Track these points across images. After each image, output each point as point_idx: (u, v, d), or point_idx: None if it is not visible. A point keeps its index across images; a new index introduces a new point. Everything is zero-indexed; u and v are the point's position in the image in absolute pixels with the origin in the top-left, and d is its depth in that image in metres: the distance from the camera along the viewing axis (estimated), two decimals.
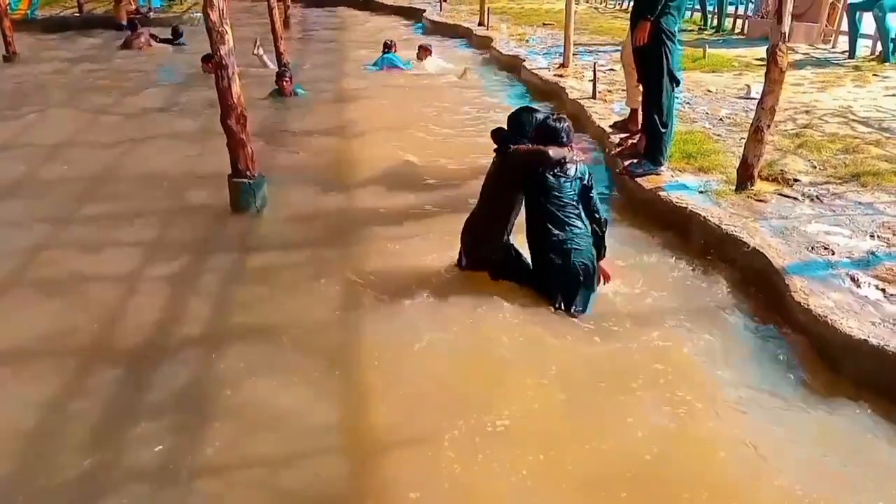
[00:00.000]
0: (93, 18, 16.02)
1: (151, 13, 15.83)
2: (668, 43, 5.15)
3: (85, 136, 7.52)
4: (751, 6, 12.91)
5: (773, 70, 4.80)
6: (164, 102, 9.03)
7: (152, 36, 13.15)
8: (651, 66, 5.25)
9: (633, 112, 6.37)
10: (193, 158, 6.69)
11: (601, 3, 17.65)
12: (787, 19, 4.81)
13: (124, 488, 2.79)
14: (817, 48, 10.53)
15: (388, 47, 11.17)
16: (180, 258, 4.61)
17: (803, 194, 4.89)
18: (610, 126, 6.61)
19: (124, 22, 14.17)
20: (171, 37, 13.35)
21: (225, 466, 2.90)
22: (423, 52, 11.28)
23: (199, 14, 15.66)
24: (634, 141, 5.93)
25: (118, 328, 3.89)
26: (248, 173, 5.26)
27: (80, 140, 7.37)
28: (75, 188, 5.91)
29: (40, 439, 3.06)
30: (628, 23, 5.59)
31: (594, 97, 7.73)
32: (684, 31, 10.30)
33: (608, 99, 7.71)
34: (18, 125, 7.85)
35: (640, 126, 6.00)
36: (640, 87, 6.22)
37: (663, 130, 5.32)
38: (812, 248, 4.09)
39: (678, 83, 5.37)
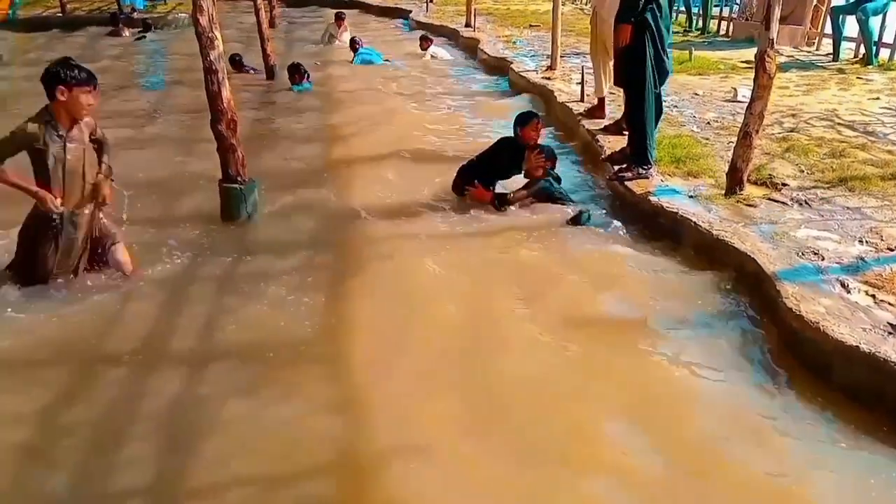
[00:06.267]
0: (75, 19, 15.90)
1: (135, 14, 15.73)
2: (653, 43, 5.18)
3: None
4: (735, 8, 13.01)
5: (761, 76, 4.84)
6: (149, 106, 8.97)
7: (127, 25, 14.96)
8: (634, 68, 5.27)
9: (601, 101, 7.04)
10: (182, 163, 6.64)
11: (587, 4, 17.69)
12: (774, 25, 4.85)
13: None
14: (801, 50, 10.63)
15: (354, 45, 11.63)
16: (170, 266, 4.58)
17: (792, 199, 4.94)
18: (600, 129, 6.65)
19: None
20: (141, 29, 14.87)
21: (216, 486, 2.85)
22: (425, 42, 12.07)
23: (183, 15, 15.64)
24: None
25: (107, 340, 3.84)
26: (238, 178, 5.23)
27: None
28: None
29: (28, 456, 3.01)
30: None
31: (582, 100, 7.75)
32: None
33: (596, 102, 7.72)
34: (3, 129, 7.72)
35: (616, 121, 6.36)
36: (604, 77, 6.80)
37: (647, 133, 5.36)
38: (802, 254, 4.13)
39: (662, 82, 5.42)
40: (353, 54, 11.55)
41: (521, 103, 8.31)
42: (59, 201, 4.03)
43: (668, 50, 5.39)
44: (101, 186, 4.22)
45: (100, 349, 3.74)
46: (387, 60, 11.52)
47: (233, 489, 2.85)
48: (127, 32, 14.32)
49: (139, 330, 3.90)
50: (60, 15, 16.10)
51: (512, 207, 5.35)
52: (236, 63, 10.53)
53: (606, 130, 6.60)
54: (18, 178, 3.98)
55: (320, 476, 2.92)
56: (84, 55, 12.38)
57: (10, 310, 4.01)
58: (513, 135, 5.59)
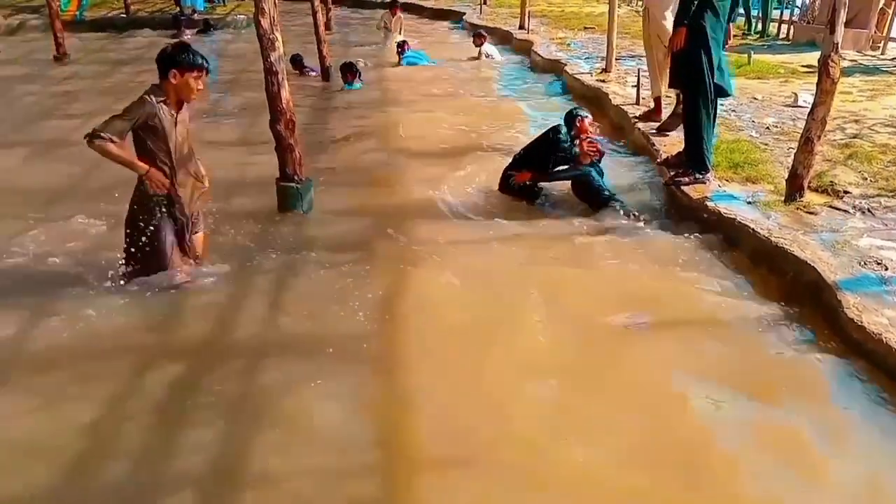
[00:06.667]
0: (138, 20, 16.36)
1: (195, 15, 16.10)
2: (708, 47, 5.11)
3: None
4: (796, 11, 12.72)
5: (824, 81, 4.73)
6: (208, 105, 9.17)
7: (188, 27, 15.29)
8: (690, 71, 5.20)
9: (658, 102, 6.95)
10: (240, 161, 6.77)
11: (642, 7, 17.49)
12: (839, 29, 4.73)
13: (172, 495, 2.84)
14: (865, 55, 10.34)
15: (401, 48, 11.72)
16: (228, 262, 4.67)
17: (854, 207, 4.82)
18: (654, 129, 6.60)
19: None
20: (202, 27, 15.33)
21: (271, 478, 2.90)
22: (479, 39, 12.23)
23: (242, 16, 15.96)
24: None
25: (169, 330, 3.96)
26: (295, 177, 5.33)
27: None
28: (122, 190, 5.98)
29: (93, 442, 3.11)
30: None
31: (638, 103, 7.68)
32: None
33: (652, 105, 7.64)
34: (68, 126, 7.95)
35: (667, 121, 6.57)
36: (660, 76, 6.76)
37: (704, 137, 5.27)
38: (864, 263, 4.03)
39: (725, 94, 5.35)
40: (398, 58, 11.64)
41: (573, 105, 8.25)
42: (167, 180, 4.14)
43: (724, 67, 5.31)
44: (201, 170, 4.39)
45: (162, 340, 3.87)
46: (433, 61, 11.57)
47: (286, 482, 2.90)
48: (188, 34, 14.68)
49: (201, 321, 4.01)
50: (125, 16, 16.58)
51: (542, 189, 5.63)
52: (297, 63, 10.68)
53: (662, 128, 6.55)
54: (128, 154, 4.06)
55: (367, 476, 2.93)
56: (145, 55, 12.73)
57: (84, 302, 4.15)
58: (565, 125, 5.71)
